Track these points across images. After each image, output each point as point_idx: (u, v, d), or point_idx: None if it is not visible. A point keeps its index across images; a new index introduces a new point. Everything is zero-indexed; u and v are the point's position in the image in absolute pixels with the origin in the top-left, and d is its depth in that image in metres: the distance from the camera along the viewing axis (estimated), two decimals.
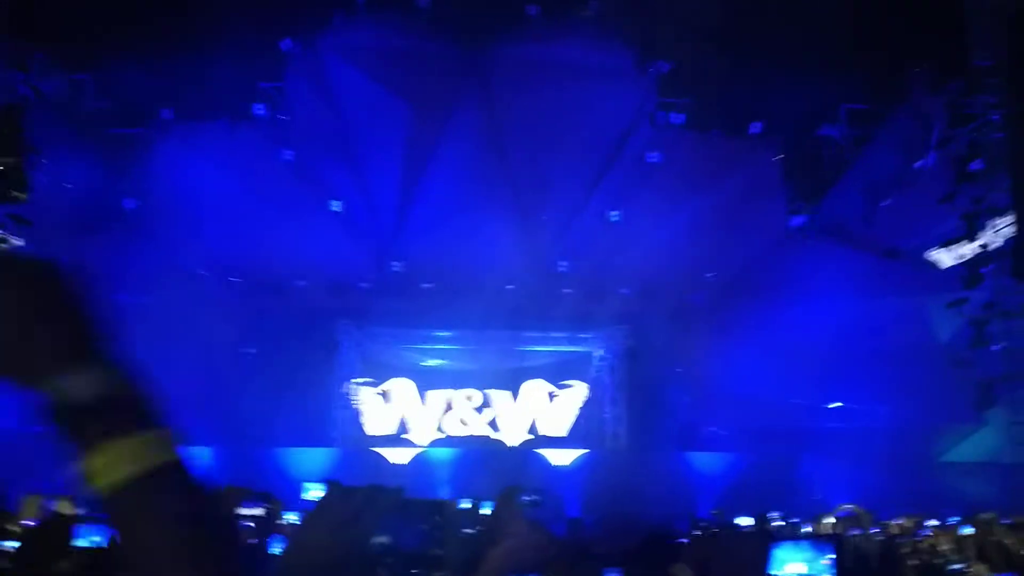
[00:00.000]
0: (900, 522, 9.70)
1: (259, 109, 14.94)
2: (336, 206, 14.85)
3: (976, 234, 13.95)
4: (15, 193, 10.63)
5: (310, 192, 14.69)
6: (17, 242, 10.37)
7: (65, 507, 6.55)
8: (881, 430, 13.92)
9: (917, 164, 15.07)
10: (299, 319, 14.66)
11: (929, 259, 15.08)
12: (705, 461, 14.30)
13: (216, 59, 13.18)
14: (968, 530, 8.17)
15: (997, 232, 13.85)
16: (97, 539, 4.09)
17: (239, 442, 13.57)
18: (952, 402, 13.82)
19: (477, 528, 1.52)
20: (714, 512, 11.66)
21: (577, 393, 16.09)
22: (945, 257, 14.88)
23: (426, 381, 15.95)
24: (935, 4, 14.40)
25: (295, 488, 12.73)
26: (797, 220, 15.48)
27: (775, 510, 10.94)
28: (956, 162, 14.28)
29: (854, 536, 8.17)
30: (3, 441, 11.91)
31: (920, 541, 8.47)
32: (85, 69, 14.27)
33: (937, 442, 14.33)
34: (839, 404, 14.65)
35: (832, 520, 9.92)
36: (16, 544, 4.07)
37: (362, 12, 15.15)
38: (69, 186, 13.24)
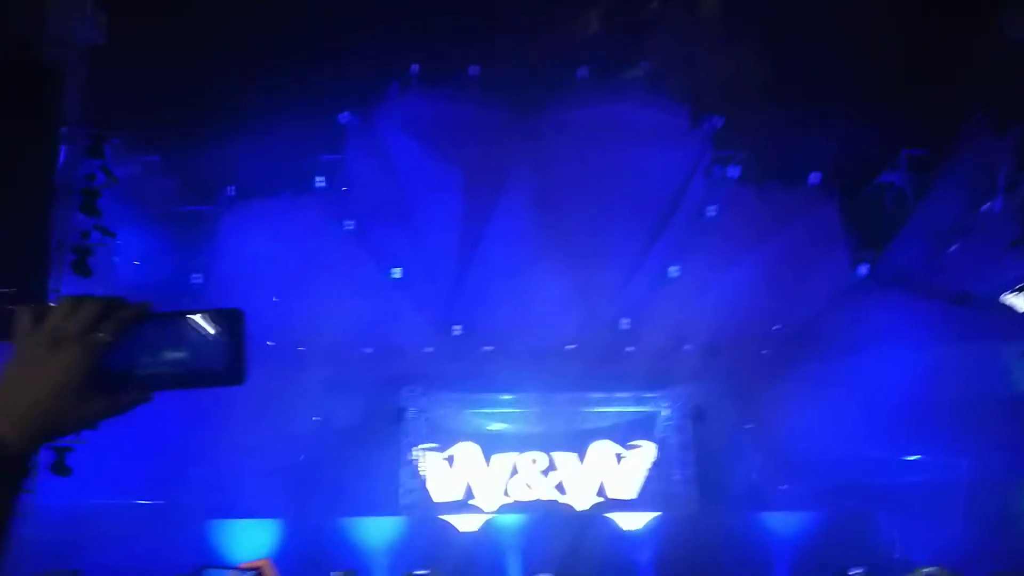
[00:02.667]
0: None
1: (320, 181, 15.30)
2: (397, 273, 15.07)
3: None
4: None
5: (371, 260, 14.93)
6: None
7: None
8: (963, 483, 13.45)
9: (984, 208, 14.74)
10: (365, 386, 14.79)
11: (1002, 305, 14.64)
12: (779, 521, 13.93)
13: (277, 135, 13.57)
14: None
15: None
16: None
17: (307, 513, 13.65)
18: None
19: None
20: None
21: (645, 454, 15.84)
22: (1019, 302, 14.44)
23: (491, 445, 15.88)
24: (994, 45, 14.20)
25: (365, 560, 12.73)
26: (862, 269, 15.20)
27: (855, 570, 10.60)
28: None
29: None
30: (83, 515, 12.18)
31: None
32: (154, 151, 14.80)
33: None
34: (917, 457, 14.20)
35: None
36: None
37: (416, 83, 15.50)
38: (138, 263, 13.67)
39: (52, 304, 1.12)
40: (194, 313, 1.16)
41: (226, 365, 1.16)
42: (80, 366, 1.07)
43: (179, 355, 1.13)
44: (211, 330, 1.16)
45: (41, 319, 1.09)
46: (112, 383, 1.10)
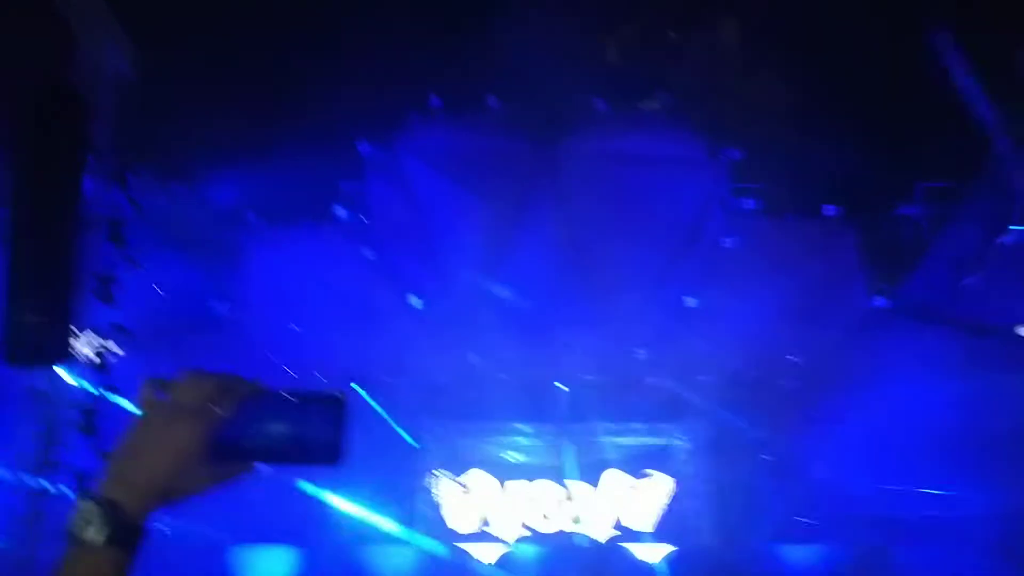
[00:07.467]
0: None
1: (340, 210, 15.42)
2: (416, 302, 15.13)
3: None
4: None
5: (391, 289, 15.01)
6: (118, 350, 10.84)
7: None
8: (981, 517, 13.36)
9: (1001, 239, 14.75)
10: (381, 414, 14.82)
11: (1020, 336, 14.61)
12: (797, 554, 13.85)
13: (298, 163, 13.70)
14: None
15: None
16: None
17: (325, 540, 13.66)
18: None
19: None
20: None
21: (660, 485, 15.78)
22: None
23: (506, 474, 15.86)
24: (1013, 75, 14.27)
25: None
26: (880, 301, 15.20)
27: None
28: None
29: None
30: None
31: None
32: (178, 179, 14.95)
33: None
34: (935, 491, 14.13)
35: None
36: None
37: (437, 113, 15.64)
38: (163, 293, 13.78)
39: (173, 378, 1.17)
40: (301, 393, 1.22)
41: (324, 445, 1.22)
42: (197, 438, 1.13)
43: (283, 431, 1.20)
44: (314, 410, 1.21)
45: (162, 390, 1.13)
46: (221, 454, 1.17)
